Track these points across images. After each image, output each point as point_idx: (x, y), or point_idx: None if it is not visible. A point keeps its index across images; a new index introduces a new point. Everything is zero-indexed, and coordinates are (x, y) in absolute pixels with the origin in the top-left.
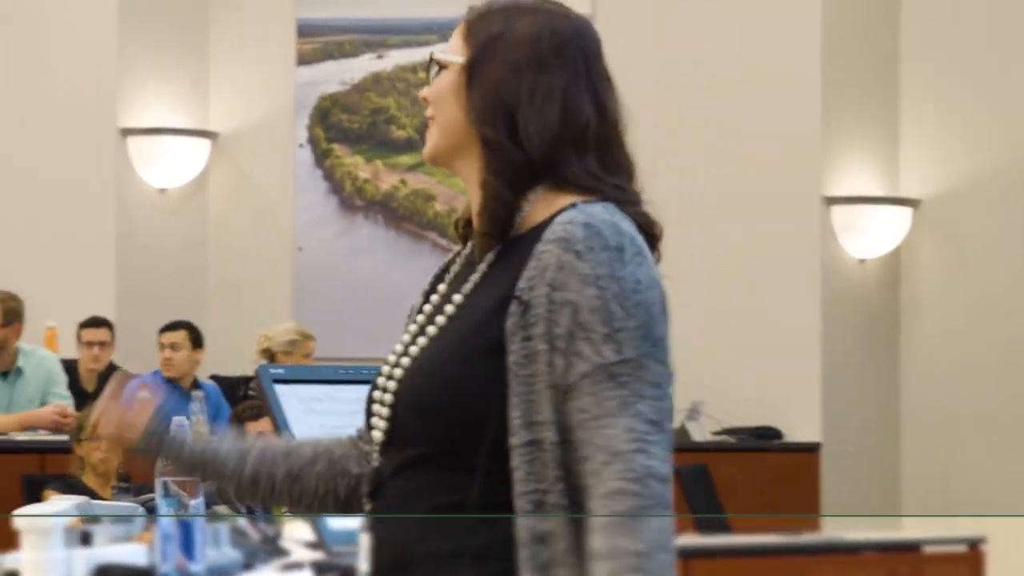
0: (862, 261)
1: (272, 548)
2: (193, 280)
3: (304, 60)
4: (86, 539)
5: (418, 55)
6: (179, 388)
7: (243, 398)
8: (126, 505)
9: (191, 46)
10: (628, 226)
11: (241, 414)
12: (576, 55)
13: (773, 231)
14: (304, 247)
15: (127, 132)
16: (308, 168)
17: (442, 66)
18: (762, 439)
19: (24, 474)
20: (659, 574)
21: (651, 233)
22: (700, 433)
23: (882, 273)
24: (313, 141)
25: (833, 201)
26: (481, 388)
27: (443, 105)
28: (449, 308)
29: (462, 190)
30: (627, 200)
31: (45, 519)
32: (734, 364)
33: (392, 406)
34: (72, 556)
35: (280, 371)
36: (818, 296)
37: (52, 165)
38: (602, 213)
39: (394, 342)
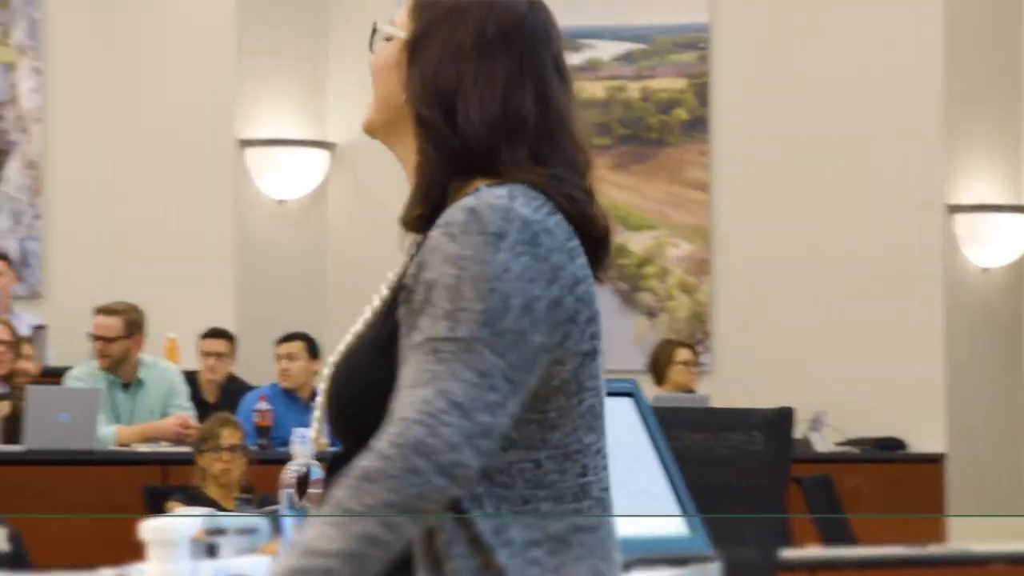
0: (986, 270)
1: None
2: (313, 291)
3: None
4: (212, 551)
5: None
6: (297, 399)
7: None
8: (250, 516)
9: (309, 57)
10: (533, 213)
11: None
12: (522, 42)
13: (895, 240)
14: None
15: (245, 143)
16: None
17: (388, 37)
18: (885, 449)
19: (146, 486)
20: (362, 531)
21: (585, 229)
22: (823, 444)
23: (1006, 281)
24: None
25: (956, 209)
26: (386, 383)
27: (382, 78)
28: (375, 300)
29: None
30: (558, 189)
31: (171, 531)
32: (857, 374)
33: (322, 407)
34: (198, 568)
35: None
36: (941, 305)
37: (171, 177)
38: (499, 198)
39: None
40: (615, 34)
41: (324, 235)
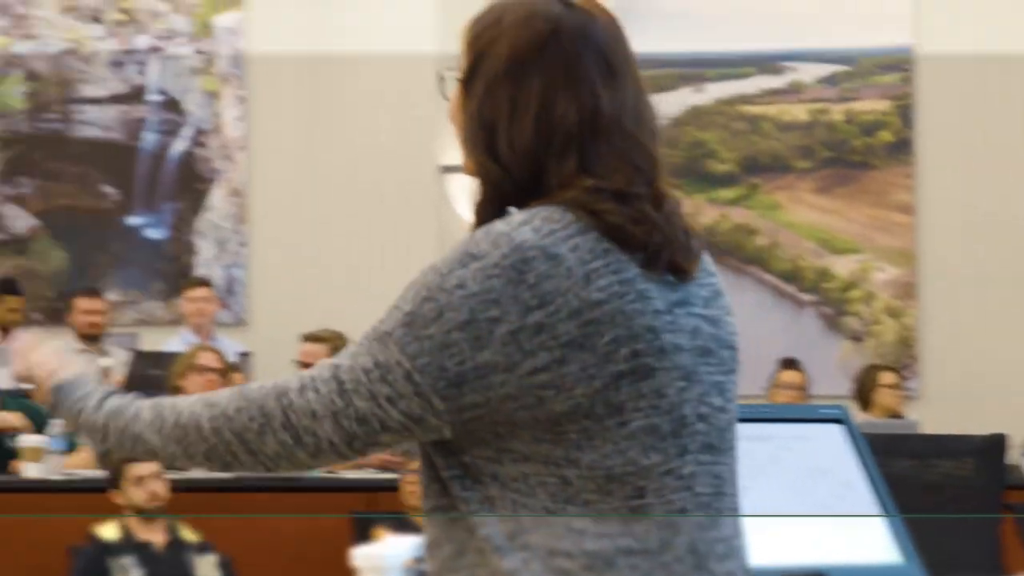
0: None
1: None
2: None
3: None
4: None
5: (737, 88)
6: None
7: None
8: None
9: None
10: (541, 238)
11: None
12: (554, 54)
13: None
14: None
15: (447, 169)
16: None
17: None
18: None
19: (353, 511)
20: (192, 416)
21: (622, 244)
22: None
23: None
24: None
25: None
26: None
27: (455, 121)
28: None
29: (785, 223)
30: (591, 206)
31: (382, 558)
32: None
33: None
34: None
35: None
36: None
37: (374, 203)
38: (508, 222)
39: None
40: (818, 56)
41: None
